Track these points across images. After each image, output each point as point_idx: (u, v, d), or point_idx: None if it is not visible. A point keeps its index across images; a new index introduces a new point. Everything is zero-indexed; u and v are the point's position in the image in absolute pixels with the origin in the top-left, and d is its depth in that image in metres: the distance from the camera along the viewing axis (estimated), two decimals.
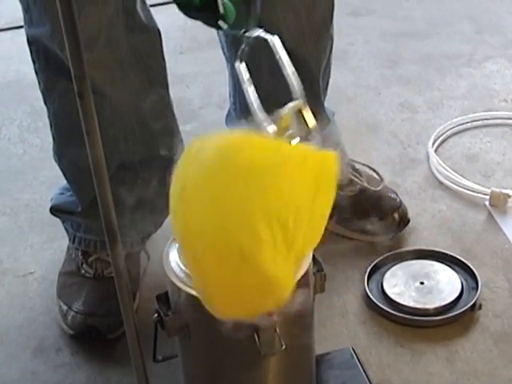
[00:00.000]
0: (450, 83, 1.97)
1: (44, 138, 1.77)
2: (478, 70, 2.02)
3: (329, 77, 1.53)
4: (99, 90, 1.23)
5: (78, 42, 0.80)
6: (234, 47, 1.44)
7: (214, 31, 1.46)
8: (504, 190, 1.57)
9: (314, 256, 1.00)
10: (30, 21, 1.27)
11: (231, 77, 1.50)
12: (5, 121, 1.95)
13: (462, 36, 2.16)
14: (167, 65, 1.40)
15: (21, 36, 1.32)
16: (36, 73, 1.33)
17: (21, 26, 1.31)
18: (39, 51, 1.30)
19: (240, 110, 1.51)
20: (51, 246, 1.56)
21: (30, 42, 1.30)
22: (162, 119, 1.42)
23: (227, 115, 1.59)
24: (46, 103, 1.36)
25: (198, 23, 1.98)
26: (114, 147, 1.31)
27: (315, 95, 1.50)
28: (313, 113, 0.96)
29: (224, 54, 1.49)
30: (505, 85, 1.95)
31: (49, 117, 1.38)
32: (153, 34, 1.35)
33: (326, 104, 1.54)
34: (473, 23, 2.21)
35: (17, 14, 1.29)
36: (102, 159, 0.86)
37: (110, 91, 1.29)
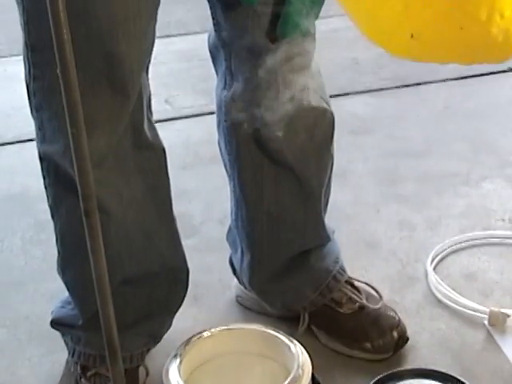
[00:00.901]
0: (448, 202, 2.00)
1: (46, 250, 1.78)
2: (474, 189, 2.05)
3: (329, 195, 1.56)
4: (105, 209, 1.25)
5: (86, 161, 0.83)
6: (236, 164, 1.47)
7: (216, 148, 1.50)
8: (503, 310, 1.57)
9: (313, 374, 1.00)
10: (43, 138, 1.30)
11: (233, 193, 1.53)
12: (8, 232, 1.97)
13: (459, 156, 2.20)
14: (170, 180, 1.43)
15: (27, 150, 1.35)
16: (45, 188, 1.35)
17: (28, 140, 1.34)
18: (50, 167, 1.32)
19: (242, 227, 1.54)
20: (50, 359, 1.55)
21: (41, 158, 1.33)
22: (165, 235, 1.44)
23: (228, 231, 1.61)
24: (53, 218, 1.38)
25: (201, 139, 2.02)
26: (118, 263, 1.32)
27: (316, 213, 1.53)
28: None
29: (226, 171, 1.52)
30: (502, 204, 1.98)
31: (55, 231, 1.39)
32: (158, 152, 1.38)
33: (326, 221, 1.57)
34: (469, 143, 2.26)
35: (24, 129, 1.33)
36: (105, 276, 0.88)
37: (115, 209, 1.31)
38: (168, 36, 2.91)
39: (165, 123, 2.36)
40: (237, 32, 1.33)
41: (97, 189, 0.84)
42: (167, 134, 2.19)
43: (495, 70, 2.65)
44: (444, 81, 2.65)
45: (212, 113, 1.52)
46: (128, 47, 1.21)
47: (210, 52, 1.43)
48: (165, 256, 1.44)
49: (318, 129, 1.43)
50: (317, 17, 1.28)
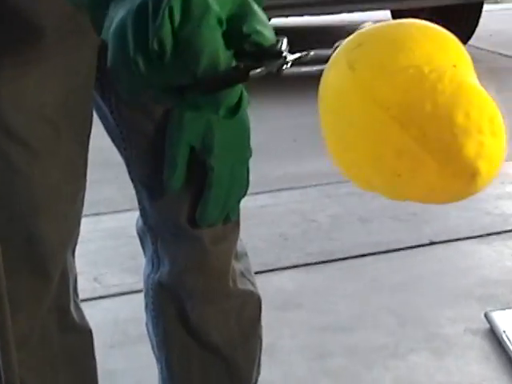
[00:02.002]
0: (376, 376, 2.02)
1: None
2: (402, 361, 2.08)
3: (258, 374, 1.54)
4: None
5: (9, 347, 0.84)
6: (164, 347, 1.49)
7: (145, 327, 1.51)
8: None
9: None
10: None
11: (160, 375, 1.51)
12: None
13: (386, 329, 2.24)
14: (97, 360, 1.42)
15: None
16: None
17: None
18: None
19: None
20: None
21: None
22: None
23: None
24: None
25: (129, 317, 2.03)
26: None
27: None
28: None
29: (154, 352, 1.51)
30: (429, 377, 2.01)
31: None
32: (85, 335, 1.38)
33: None
34: (396, 316, 2.30)
35: None
36: None
37: None
38: (97, 214, 2.96)
39: (93, 301, 2.37)
40: (161, 218, 1.36)
41: (20, 370, 0.84)
42: (96, 313, 2.22)
43: (418, 244, 2.74)
44: (370, 255, 2.72)
45: (140, 291, 1.54)
46: (49, 229, 1.23)
47: (138, 235, 1.45)
48: None
49: (245, 311, 1.44)
50: (239, 201, 1.31)
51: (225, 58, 0.72)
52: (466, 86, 0.68)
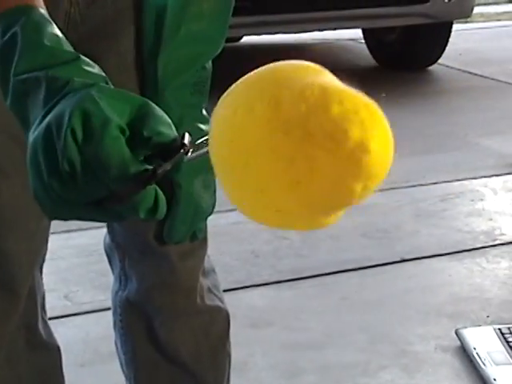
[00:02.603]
0: None
1: None
2: (373, 379, 2.09)
3: None
4: None
5: None
6: (133, 364, 1.48)
7: (113, 347, 1.51)
8: None
9: None
10: None
11: (129, 382, 1.53)
12: None
13: (357, 346, 2.25)
14: (67, 378, 1.42)
15: None
16: None
17: None
18: None
19: None
20: None
21: None
22: None
23: None
24: None
25: (100, 335, 2.02)
26: None
27: None
28: None
29: (123, 370, 1.51)
30: None
31: None
32: (53, 352, 1.38)
33: None
34: (366, 333, 2.31)
35: None
36: None
37: None
38: (67, 231, 2.95)
39: (64, 319, 2.36)
40: (129, 234, 1.37)
41: None
42: (66, 330, 2.21)
43: (389, 261, 2.76)
44: (341, 272, 2.73)
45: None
46: (17, 247, 1.23)
47: (106, 253, 1.46)
48: None
49: (213, 327, 1.45)
50: (206, 218, 1.32)
51: (132, 164, 0.74)
52: (333, 85, 0.70)
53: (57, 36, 0.82)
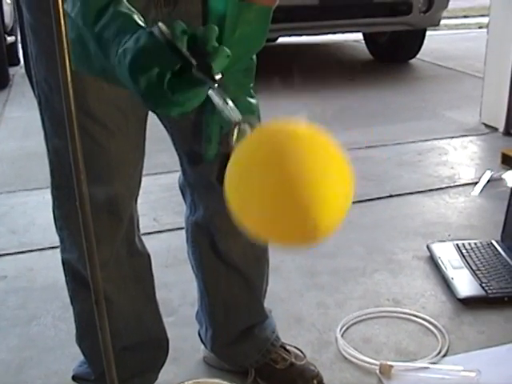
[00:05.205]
0: (351, 288, 2.01)
1: (70, 325, 1.74)
2: (369, 279, 2.07)
3: (267, 284, 1.56)
4: (108, 298, 1.23)
5: (95, 265, 0.83)
6: (200, 268, 1.48)
7: (186, 255, 1.50)
8: (389, 362, 1.58)
9: None
10: (64, 248, 1.30)
11: (198, 287, 1.52)
12: (43, 312, 1.94)
13: (358, 256, 2.22)
14: (155, 275, 1.42)
15: (58, 254, 1.33)
16: (66, 283, 1.35)
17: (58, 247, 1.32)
18: (69, 269, 1.32)
19: (205, 311, 1.53)
20: None
21: (63, 262, 1.32)
22: (151, 315, 1.43)
23: (196, 313, 1.59)
24: (72, 304, 1.37)
25: (179, 246, 1.96)
26: (118, 336, 1.30)
27: (258, 299, 1.52)
28: None
29: (193, 271, 1.52)
30: (388, 289, 2.00)
31: (73, 313, 1.38)
32: (145, 258, 1.38)
33: (265, 304, 1.56)
34: (364, 247, 2.28)
35: (56, 239, 1.31)
36: (109, 345, 0.87)
37: (115, 298, 1.30)
38: (155, 174, 2.95)
39: (153, 235, 2.37)
40: (198, 177, 1.36)
41: (102, 284, 0.84)
42: (155, 243, 2.21)
43: (381, 196, 2.72)
44: None
45: None
46: (121, 186, 1.22)
47: (180, 189, 1.45)
48: (151, 330, 1.42)
49: (257, 242, 1.44)
50: None
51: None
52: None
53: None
